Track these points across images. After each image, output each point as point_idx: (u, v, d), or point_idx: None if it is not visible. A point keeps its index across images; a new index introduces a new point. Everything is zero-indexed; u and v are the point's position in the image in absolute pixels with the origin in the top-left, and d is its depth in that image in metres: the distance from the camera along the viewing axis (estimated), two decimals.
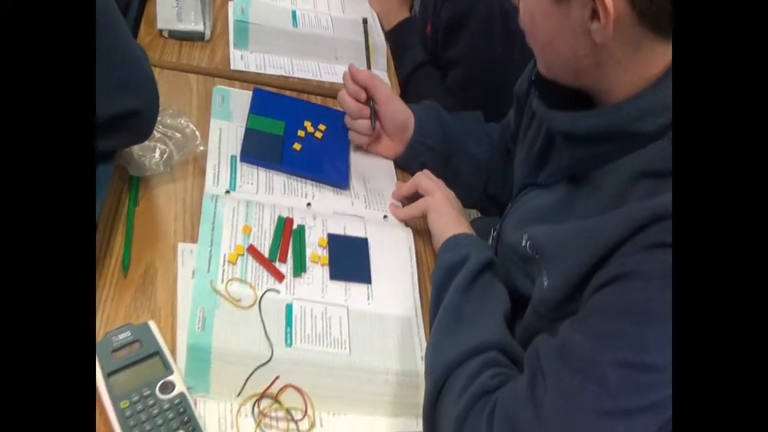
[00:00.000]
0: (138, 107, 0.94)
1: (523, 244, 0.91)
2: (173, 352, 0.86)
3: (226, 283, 0.93)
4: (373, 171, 1.20)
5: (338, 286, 0.98)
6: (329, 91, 1.34)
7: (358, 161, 1.21)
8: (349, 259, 1.01)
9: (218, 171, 1.09)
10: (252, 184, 1.09)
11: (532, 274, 0.90)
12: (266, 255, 0.98)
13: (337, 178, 1.14)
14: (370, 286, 1.00)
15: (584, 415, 0.70)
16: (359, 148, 1.22)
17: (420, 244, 1.10)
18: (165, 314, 0.90)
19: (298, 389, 0.87)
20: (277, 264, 0.98)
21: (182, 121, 1.16)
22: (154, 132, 1.08)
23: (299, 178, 1.13)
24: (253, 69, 1.33)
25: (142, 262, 0.95)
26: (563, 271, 0.82)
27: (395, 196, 1.15)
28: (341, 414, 0.88)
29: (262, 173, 1.11)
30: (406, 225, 1.12)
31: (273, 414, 0.85)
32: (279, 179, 1.12)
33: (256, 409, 0.85)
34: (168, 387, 0.82)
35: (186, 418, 0.80)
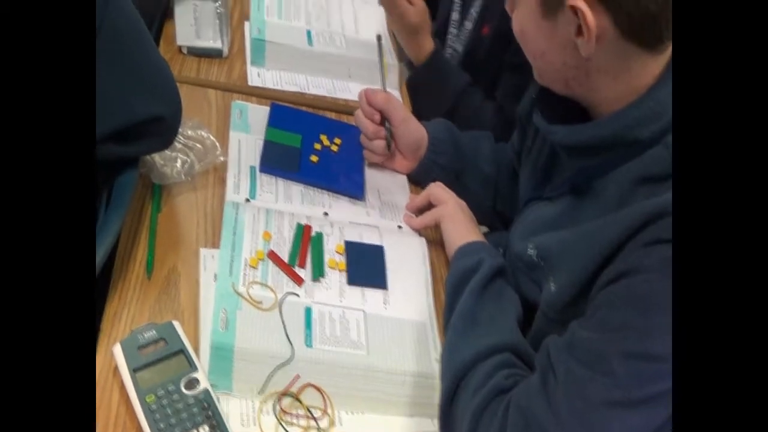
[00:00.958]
0: (164, 114, 0.98)
1: (529, 252, 0.94)
2: (196, 350, 0.88)
3: (248, 286, 0.96)
4: (388, 184, 1.23)
5: (355, 291, 1.01)
6: (343, 107, 1.37)
7: (372, 175, 1.24)
8: (366, 266, 1.04)
9: (238, 180, 1.12)
10: (271, 193, 1.12)
11: (539, 280, 0.93)
12: (286, 260, 1.01)
13: (353, 188, 1.17)
14: (386, 291, 1.02)
15: (594, 406, 0.73)
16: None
17: (433, 253, 1.12)
18: (188, 315, 0.93)
19: (317, 388, 0.89)
20: (296, 269, 1.00)
21: (202, 133, 1.19)
22: (175, 143, 1.11)
23: (316, 189, 1.16)
24: (270, 85, 1.36)
25: (166, 266, 0.98)
26: (569, 274, 0.85)
27: (409, 207, 1.18)
28: (360, 413, 0.90)
29: (281, 183, 1.15)
30: (420, 234, 1.15)
31: (294, 412, 0.87)
32: (297, 189, 1.15)
33: (277, 407, 0.87)
34: (193, 383, 0.84)
35: (210, 413, 0.82)
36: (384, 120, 1.22)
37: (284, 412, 0.87)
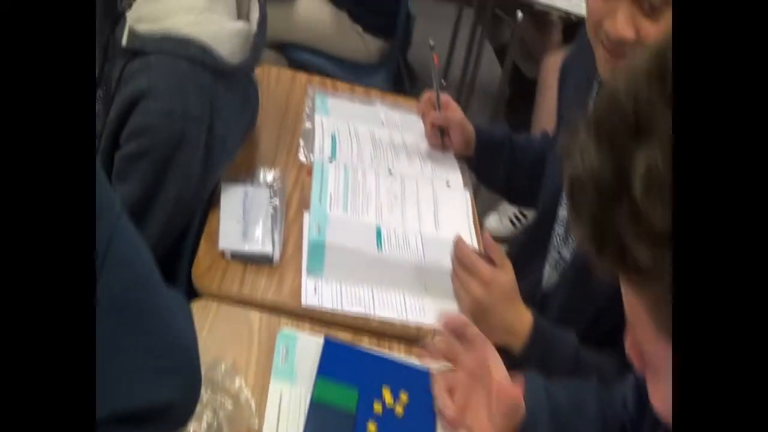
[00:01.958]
0: (173, 400, 0.75)
1: None
2: None
3: None
4: None
5: None
6: (414, 335, 1.11)
7: None
8: None
9: None
10: None
11: None
12: None
13: None
14: None
15: None
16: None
17: None
18: None
19: None
20: None
21: (237, 384, 0.96)
22: (202, 394, 0.89)
23: None
24: (327, 304, 1.12)
25: None
26: None
27: None
28: None
29: None
30: None
31: None
32: None
33: None
34: None
35: None
36: None
37: None
